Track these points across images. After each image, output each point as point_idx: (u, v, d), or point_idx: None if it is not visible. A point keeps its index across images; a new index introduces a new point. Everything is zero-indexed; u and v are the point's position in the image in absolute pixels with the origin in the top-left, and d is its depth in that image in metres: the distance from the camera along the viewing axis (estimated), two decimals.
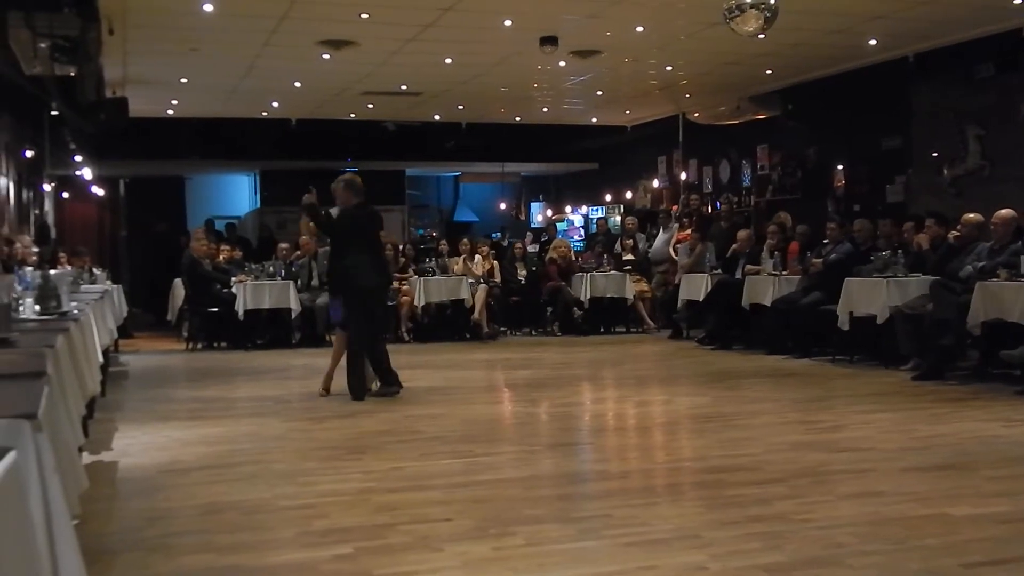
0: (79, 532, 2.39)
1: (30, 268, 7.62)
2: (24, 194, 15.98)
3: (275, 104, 15.78)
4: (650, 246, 15.12)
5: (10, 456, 1.85)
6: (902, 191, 13.22)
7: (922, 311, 8.97)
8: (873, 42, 11.76)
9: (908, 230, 10.76)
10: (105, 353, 7.86)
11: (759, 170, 16.20)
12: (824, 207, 14.12)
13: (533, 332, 14.35)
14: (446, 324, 13.69)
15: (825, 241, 11.02)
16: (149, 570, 3.82)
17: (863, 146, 13.82)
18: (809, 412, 7.43)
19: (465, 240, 14.76)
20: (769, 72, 13.67)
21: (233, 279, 12.75)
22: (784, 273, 11.28)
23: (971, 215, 9.36)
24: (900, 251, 10.06)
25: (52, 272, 6.40)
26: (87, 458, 5.63)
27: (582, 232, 20.92)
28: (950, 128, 12.35)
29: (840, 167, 14.36)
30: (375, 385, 8.34)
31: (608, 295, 13.99)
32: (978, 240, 9.12)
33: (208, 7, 9.74)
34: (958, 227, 9.41)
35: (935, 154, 12.63)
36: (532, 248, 16.10)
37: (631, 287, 13.99)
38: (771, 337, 11.09)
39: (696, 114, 16.43)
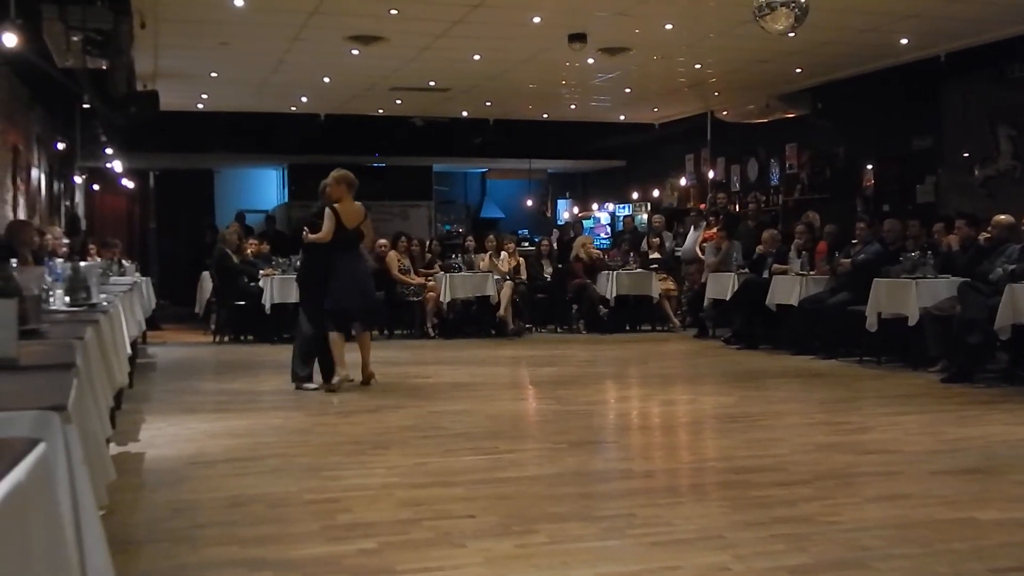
0: (106, 522, 2.41)
1: (60, 259, 7.68)
2: (55, 185, 16.15)
3: (304, 99, 15.84)
4: (678, 244, 15.07)
5: (40, 448, 1.86)
6: (932, 191, 13.11)
7: (951, 313, 8.88)
8: (905, 41, 11.66)
9: (938, 231, 10.67)
10: (133, 345, 7.92)
11: (788, 169, 16.12)
12: (853, 207, 14.03)
13: (558, 329, 14.33)
14: (471, 320, 13.69)
15: (854, 241, 10.94)
16: (174, 561, 3.85)
17: (893, 146, 13.72)
18: (836, 413, 7.39)
19: (491, 236, 14.76)
20: (799, 71, 13.59)
21: (261, 273, 12.81)
22: (812, 273, 11.21)
23: (1002, 216, 9.27)
24: (929, 252, 9.97)
25: (82, 264, 6.45)
26: (114, 449, 5.67)
27: (608, 230, 20.88)
28: (982, 128, 12.24)
29: (870, 167, 14.26)
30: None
31: (634, 293, 13.95)
32: (1009, 242, 9.02)
33: (239, 2, 9.79)
34: (988, 228, 9.33)
35: (966, 154, 12.52)
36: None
37: (657, 285, 13.95)
38: (798, 337, 11.02)
39: (725, 112, 16.37)
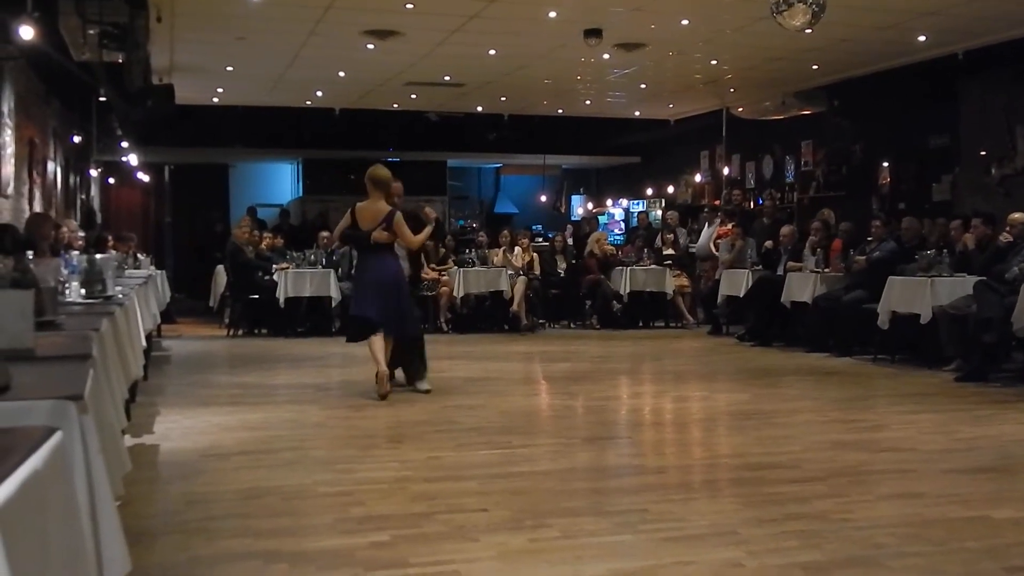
0: (121, 513, 2.42)
1: (76, 252, 7.71)
2: (71, 179, 16.20)
3: (319, 93, 15.86)
4: (692, 241, 15.04)
5: (56, 436, 1.87)
6: (949, 190, 13.06)
7: (967, 312, 8.85)
8: (922, 38, 11.59)
9: (956, 228, 10.59)
10: (148, 337, 7.95)
11: (803, 166, 16.07)
12: (869, 205, 13.98)
13: (572, 325, 14.33)
14: (485, 316, 13.70)
15: (869, 239, 10.90)
16: (189, 552, 3.86)
17: (910, 144, 13.66)
18: (850, 411, 7.36)
19: (505, 232, 14.76)
20: (816, 68, 13.53)
21: (275, 267, 12.85)
22: (826, 271, 11.17)
23: (1018, 215, 9.23)
24: (945, 251, 9.93)
25: (98, 256, 6.48)
26: (129, 441, 5.69)
27: (623, 226, 20.85)
28: (999, 126, 12.18)
29: (886, 165, 14.21)
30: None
31: (648, 289, 13.95)
32: None
33: None
34: (1007, 228, 9.28)
35: (983, 152, 12.46)
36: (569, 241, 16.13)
37: (671, 282, 13.93)
38: (812, 335, 10.99)
39: (740, 109, 16.32)
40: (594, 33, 11.16)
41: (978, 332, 8.58)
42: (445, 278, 13.38)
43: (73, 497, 1.95)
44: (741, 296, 12.30)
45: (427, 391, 7.92)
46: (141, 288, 7.76)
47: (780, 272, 11.83)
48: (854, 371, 9.62)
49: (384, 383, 7.64)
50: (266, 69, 13.74)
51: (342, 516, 4.35)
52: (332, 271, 12.67)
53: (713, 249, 13.98)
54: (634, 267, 13.96)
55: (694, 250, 14.71)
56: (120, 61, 9.89)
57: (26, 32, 7.89)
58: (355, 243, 8.12)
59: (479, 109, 17.54)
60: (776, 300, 11.49)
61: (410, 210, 8.18)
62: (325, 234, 13.80)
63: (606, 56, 12.65)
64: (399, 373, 8.21)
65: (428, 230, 8.02)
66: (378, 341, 7.78)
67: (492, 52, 12.58)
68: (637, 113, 18.14)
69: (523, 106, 17.18)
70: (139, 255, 12.81)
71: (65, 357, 2.96)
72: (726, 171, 17.77)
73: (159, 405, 7.34)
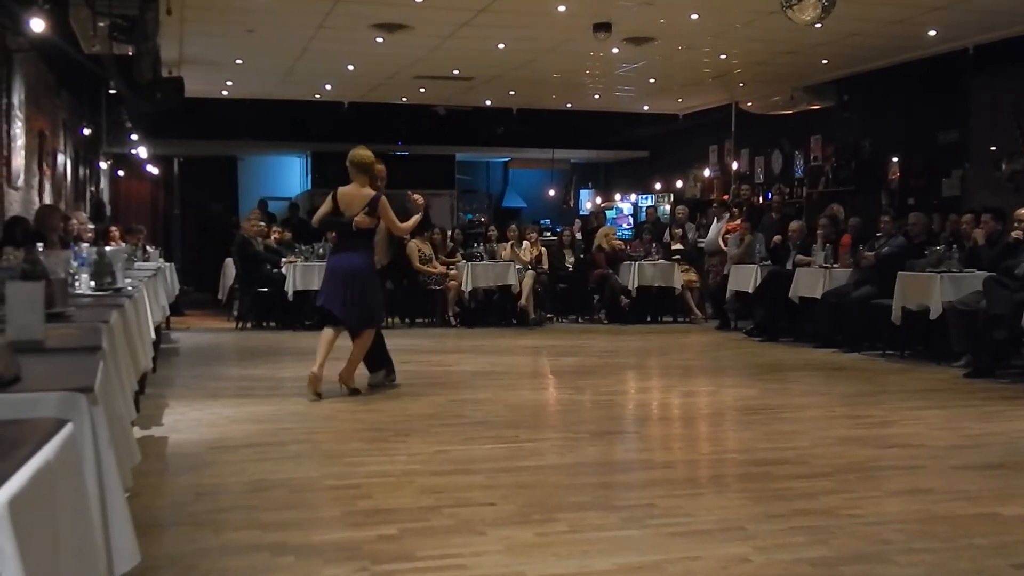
0: (130, 505, 2.43)
1: (86, 244, 7.73)
2: (81, 171, 16.25)
3: (328, 87, 15.87)
4: (700, 236, 15.02)
5: (67, 428, 1.88)
6: (958, 185, 13.01)
7: (976, 307, 8.82)
8: (932, 33, 11.56)
9: (968, 222, 10.53)
10: (157, 330, 7.97)
11: (812, 161, 16.04)
12: (878, 200, 13.94)
13: (580, 320, 14.33)
14: (493, 310, 13.71)
15: (878, 234, 10.88)
16: (197, 544, 3.87)
17: (919, 139, 13.62)
18: (858, 407, 7.35)
19: (513, 226, 14.75)
20: (825, 62, 13.50)
21: (283, 260, 12.86)
22: (835, 266, 11.15)
23: (1023, 210, 9.21)
24: (955, 246, 9.90)
25: (107, 249, 6.49)
26: (138, 433, 5.69)
27: (631, 220, 20.83)
28: (1008, 121, 12.13)
29: (895, 160, 14.16)
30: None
31: (656, 284, 13.94)
32: None
33: None
34: (1015, 223, 9.25)
35: (992, 148, 12.42)
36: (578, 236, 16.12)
37: (679, 277, 13.93)
38: (820, 330, 10.97)
39: (749, 103, 16.29)
40: (603, 27, 11.14)
41: (987, 328, 8.56)
42: (453, 272, 13.39)
43: (83, 489, 1.96)
44: (750, 291, 12.27)
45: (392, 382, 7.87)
46: (150, 280, 7.77)
47: (789, 267, 11.81)
48: (862, 367, 9.60)
49: (316, 384, 7.42)
50: (275, 62, 13.76)
51: (349, 509, 4.36)
52: None
53: (722, 244, 13.93)
54: (642, 262, 13.96)
55: (703, 245, 14.68)
56: (130, 53, 9.90)
57: (37, 24, 7.91)
58: (337, 229, 7.83)
59: (488, 103, 17.53)
60: (784, 295, 11.47)
61: (398, 199, 7.91)
62: None
63: (615, 50, 12.63)
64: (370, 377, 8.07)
65: (416, 218, 7.76)
66: (328, 337, 7.64)
67: (501, 46, 12.57)
68: (646, 107, 18.12)
69: (532, 100, 17.17)
70: (148, 247, 12.83)
71: (75, 349, 2.97)
72: (735, 166, 17.74)
73: (168, 397, 7.36)
